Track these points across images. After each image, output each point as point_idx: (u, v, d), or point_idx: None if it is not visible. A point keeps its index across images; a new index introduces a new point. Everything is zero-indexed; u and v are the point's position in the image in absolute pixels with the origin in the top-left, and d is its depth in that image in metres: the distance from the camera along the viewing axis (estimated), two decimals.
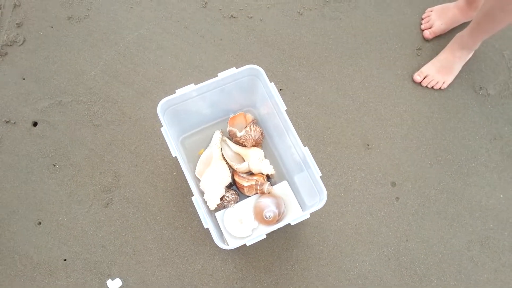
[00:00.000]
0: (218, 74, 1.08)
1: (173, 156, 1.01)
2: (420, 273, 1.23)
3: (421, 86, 1.38)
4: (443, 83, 1.36)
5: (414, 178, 1.31)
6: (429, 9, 1.42)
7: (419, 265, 1.24)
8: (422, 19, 1.42)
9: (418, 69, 1.39)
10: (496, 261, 1.24)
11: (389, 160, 1.32)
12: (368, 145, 1.33)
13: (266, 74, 1.11)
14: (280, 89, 1.37)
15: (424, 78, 1.37)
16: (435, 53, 1.40)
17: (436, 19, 1.39)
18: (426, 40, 1.41)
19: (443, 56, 1.36)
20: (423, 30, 1.42)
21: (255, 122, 1.28)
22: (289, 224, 1.02)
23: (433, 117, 1.36)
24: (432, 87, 1.37)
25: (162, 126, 1.06)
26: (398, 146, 1.33)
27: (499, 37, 1.43)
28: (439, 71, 1.35)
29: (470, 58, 1.39)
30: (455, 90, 1.39)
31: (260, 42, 1.42)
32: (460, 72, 1.39)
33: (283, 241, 1.25)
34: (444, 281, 1.22)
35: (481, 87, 1.39)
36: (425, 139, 1.34)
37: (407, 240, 1.26)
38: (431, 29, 1.40)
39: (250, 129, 1.22)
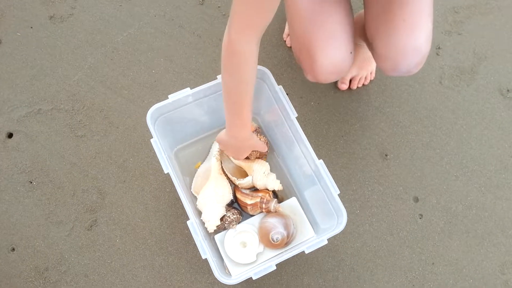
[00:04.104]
0: (218, 77, 0.94)
1: (165, 172, 0.86)
2: None
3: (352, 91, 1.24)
4: (371, 73, 1.23)
5: (438, 192, 1.16)
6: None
7: None
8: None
9: (439, 70, 1.26)
10: None
11: (410, 172, 1.18)
12: (386, 155, 1.19)
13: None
14: (287, 94, 1.23)
15: (350, 82, 1.23)
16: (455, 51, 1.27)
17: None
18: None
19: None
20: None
21: (260, 131, 1.13)
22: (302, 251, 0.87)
23: (457, 123, 1.22)
24: (363, 84, 1.24)
25: (152, 137, 0.91)
26: (420, 156, 1.19)
27: None
28: (361, 67, 1.21)
29: (495, 58, 1.26)
30: (480, 93, 1.25)
31: (263, 42, 1.27)
32: (485, 73, 1.26)
33: (292, 267, 1.10)
34: None
35: (508, 90, 1.25)
36: (450, 148, 1.20)
37: (433, 263, 1.11)
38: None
39: None
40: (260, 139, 1.08)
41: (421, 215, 1.15)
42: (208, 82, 0.97)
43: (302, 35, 0.90)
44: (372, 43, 0.92)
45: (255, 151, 1.07)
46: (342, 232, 1.12)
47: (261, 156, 1.10)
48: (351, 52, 0.92)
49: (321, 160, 0.89)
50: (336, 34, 0.88)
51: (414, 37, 0.84)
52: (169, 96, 0.91)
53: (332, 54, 0.89)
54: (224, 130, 0.95)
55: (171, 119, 0.99)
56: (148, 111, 0.89)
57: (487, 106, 1.24)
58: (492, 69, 1.27)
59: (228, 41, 0.76)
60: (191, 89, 0.92)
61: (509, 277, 1.10)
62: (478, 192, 1.17)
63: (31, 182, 1.15)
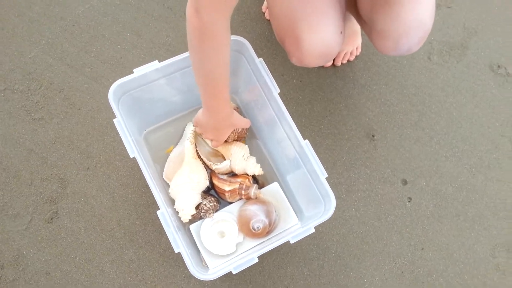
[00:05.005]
0: None
1: (131, 156, 0.76)
2: (439, 287, 1.03)
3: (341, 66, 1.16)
4: (356, 48, 1.16)
5: (428, 174, 1.10)
6: None
7: (438, 278, 1.04)
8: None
9: (428, 45, 1.18)
10: None
11: (398, 154, 1.11)
12: (373, 136, 1.12)
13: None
14: None
15: (335, 58, 1.15)
16: None
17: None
18: None
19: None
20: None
21: (238, 111, 1.04)
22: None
23: (447, 101, 1.16)
24: (348, 60, 1.16)
25: (116, 117, 0.81)
26: (408, 137, 1.12)
27: None
28: (347, 42, 1.13)
29: (486, 33, 1.20)
30: (470, 70, 1.19)
31: (240, 15, 1.18)
32: (475, 49, 1.19)
33: (274, 256, 1.02)
34: None
35: (499, 66, 1.20)
36: (439, 128, 1.14)
37: (422, 249, 1.05)
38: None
39: None
40: None
41: (410, 198, 1.09)
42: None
43: (286, 11, 0.80)
44: (369, 18, 0.83)
45: (233, 132, 0.98)
46: (328, 218, 1.05)
47: (240, 138, 1.02)
48: (341, 32, 0.83)
49: (306, 141, 0.81)
50: (325, 11, 0.79)
51: (418, 10, 0.77)
52: (134, 70, 0.80)
53: (321, 32, 0.80)
54: (201, 110, 0.85)
55: (138, 97, 0.89)
56: (110, 87, 0.79)
57: (478, 83, 1.18)
58: (482, 44, 1.21)
59: (198, 21, 0.65)
60: (159, 62, 0.82)
61: (500, 261, 1.06)
62: (468, 173, 1.11)
63: None
